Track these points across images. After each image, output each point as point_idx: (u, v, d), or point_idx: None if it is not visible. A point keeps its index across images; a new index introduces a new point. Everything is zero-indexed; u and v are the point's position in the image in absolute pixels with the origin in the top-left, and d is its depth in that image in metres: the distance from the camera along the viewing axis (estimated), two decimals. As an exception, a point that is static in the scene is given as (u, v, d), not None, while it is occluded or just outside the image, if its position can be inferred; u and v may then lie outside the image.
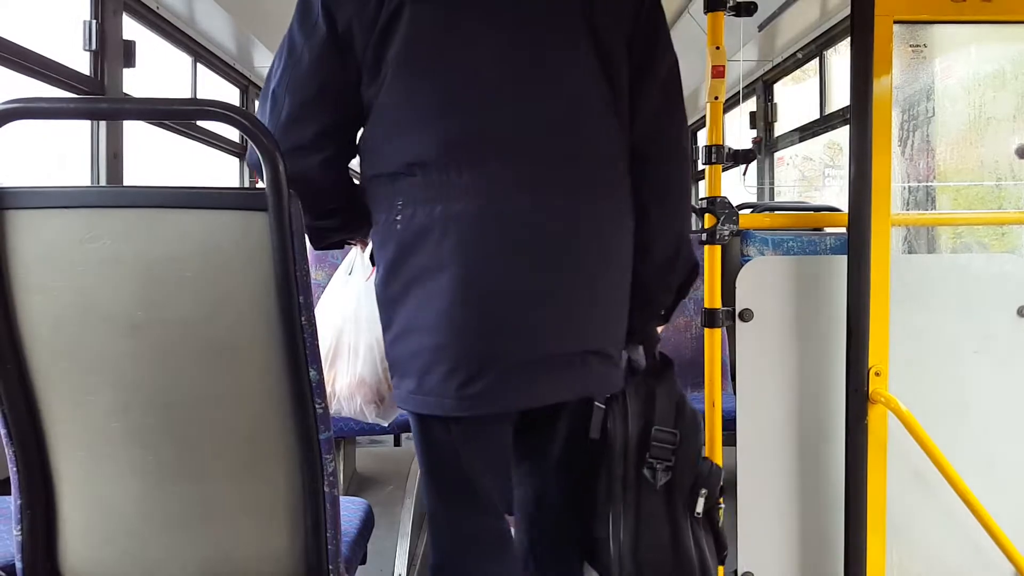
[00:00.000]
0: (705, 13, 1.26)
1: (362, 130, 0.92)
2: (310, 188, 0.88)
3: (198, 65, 2.65)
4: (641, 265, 0.95)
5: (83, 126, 1.93)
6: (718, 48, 1.25)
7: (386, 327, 0.93)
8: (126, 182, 2.03)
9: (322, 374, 0.81)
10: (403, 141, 0.88)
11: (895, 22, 1.08)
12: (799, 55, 2.79)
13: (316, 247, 0.97)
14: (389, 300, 0.92)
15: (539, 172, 0.86)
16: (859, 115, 1.08)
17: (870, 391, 1.10)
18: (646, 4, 0.92)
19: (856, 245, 1.12)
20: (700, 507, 0.95)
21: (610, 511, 0.95)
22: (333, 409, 0.99)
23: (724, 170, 1.29)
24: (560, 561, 1.02)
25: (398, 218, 0.88)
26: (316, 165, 0.90)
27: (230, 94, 2.99)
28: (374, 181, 0.91)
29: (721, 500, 1.03)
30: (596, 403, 0.94)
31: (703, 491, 0.95)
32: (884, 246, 1.10)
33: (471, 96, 0.86)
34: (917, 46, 2.08)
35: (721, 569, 1.09)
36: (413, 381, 0.90)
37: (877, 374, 1.10)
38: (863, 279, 1.11)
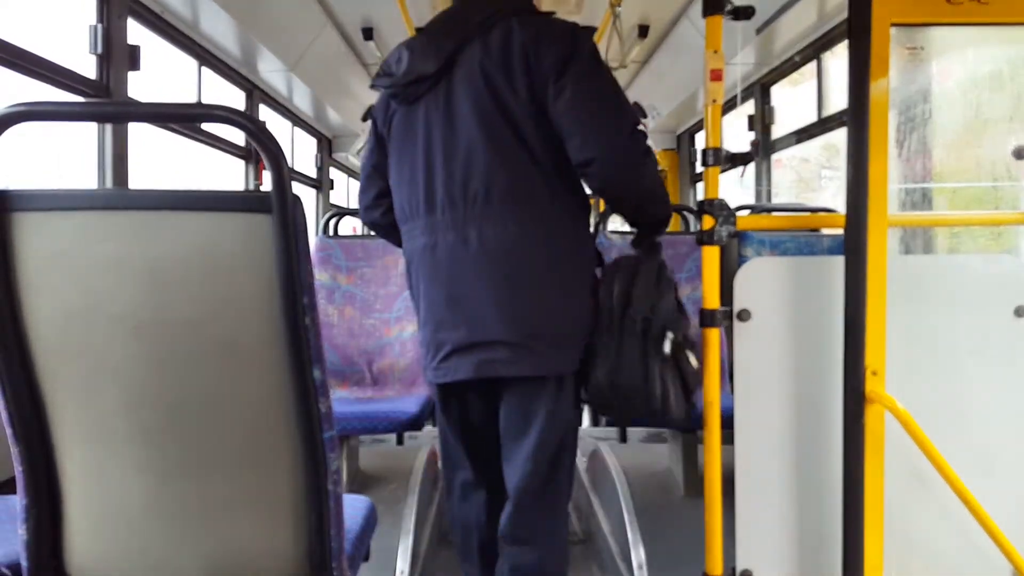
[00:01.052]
0: (703, 17, 1.27)
1: None
2: (380, 231, 1.49)
3: (203, 69, 2.67)
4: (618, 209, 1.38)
5: (83, 130, 1.95)
6: (716, 52, 1.26)
7: None
8: (131, 185, 2.05)
9: (325, 374, 0.82)
10: (396, 200, 1.37)
11: (892, 24, 1.09)
12: (797, 58, 2.80)
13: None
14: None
15: (458, 215, 1.25)
16: (856, 117, 1.09)
17: (867, 391, 1.11)
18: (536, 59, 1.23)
19: (853, 246, 1.12)
20: (667, 348, 1.23)
21: (598, 352, 1.26)
22: None
23: (722, 171, 1.30)
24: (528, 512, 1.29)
25: (404, 248, 1.38)
26: (379, 216, 1.44)
27: (235, 98, 3.01)
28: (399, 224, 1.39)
29: (691, 352, 1.26)
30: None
31: (669, 334, 1.23)
32: (881, 247, 1.11)
33: (418, 170, 1.29)
34: (914, 48, 2.09)
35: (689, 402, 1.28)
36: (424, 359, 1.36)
37: (874, 373, 1.11)
38: (860, 279, 1.11)
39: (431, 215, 1.27)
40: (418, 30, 1.35)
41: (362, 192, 1.46)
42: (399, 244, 1.41)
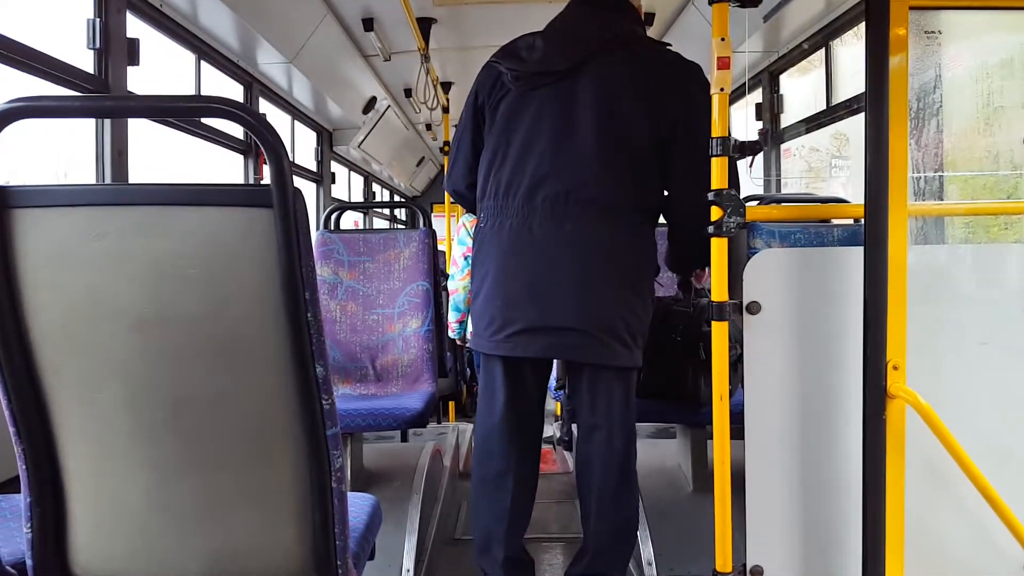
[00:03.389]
0: (710, 4, 1.24)
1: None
2: (463, 202, 1.63)
3: (202, 62, 2.65)
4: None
5: (81, 126, 1.94)
6: (723, 39, 1.23)
7: (472, 290, 1.52)
8: (131, 180, 2.03)
9: (328, 370, 0.81)
10: (486, 175, 1.47)
11: (911, 8, 1.05)
12: (805, 46, 2.76)
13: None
14: (473, 272, 1.51)
15: (559, 208, 1.36)
16: (874, 103, 1.05)
17: (888, 386, 1.09)
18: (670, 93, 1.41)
19: (873, 235, 1.08)
20: (703, 353, 1.63)
21: (648, 358, 1.57)
22: None
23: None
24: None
25: (482, 225, 1.48)
26: (464, 189, 1.57)
27: (234, 91, 2.99)
28: (479, 197, 1.51)
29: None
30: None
31: (702, 344, 1.63)
32: (901, 236, 1.07)
33: (522, 155, 1.40)
34: (932, 32, 2.05)
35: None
36: (474, 328, 1.51)
37: (895, 368, 1.09)
38: (880, 271, 1.08)
39: (530, 199, 1.37)
40: (546, 29, 1.46)
41: (451, 165, 1.59)
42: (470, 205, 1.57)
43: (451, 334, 1.97)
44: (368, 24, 3.08)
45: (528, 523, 1.52)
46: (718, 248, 1.26)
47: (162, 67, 2.44)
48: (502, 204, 1.40)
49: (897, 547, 1.09)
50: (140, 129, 2.13)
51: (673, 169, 1.40)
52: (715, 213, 1.25)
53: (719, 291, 1.26)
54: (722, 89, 1.24)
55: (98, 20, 1.94)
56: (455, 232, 1.99)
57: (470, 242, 1.70)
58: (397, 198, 6.27)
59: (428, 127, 5.18)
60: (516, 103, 1.40)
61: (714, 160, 1.27)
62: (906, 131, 1.06)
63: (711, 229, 1.26)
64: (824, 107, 2.73)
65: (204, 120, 2.57)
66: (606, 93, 1.36)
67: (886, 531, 1.08)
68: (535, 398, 1.48)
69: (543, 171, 1.36)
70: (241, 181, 3.06)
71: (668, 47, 1.46)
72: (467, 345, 1.86)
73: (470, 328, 1.65)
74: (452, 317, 1.94)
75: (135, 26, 2.14)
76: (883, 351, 1.07)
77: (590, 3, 1.45)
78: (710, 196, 1.26)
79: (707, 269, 1.44)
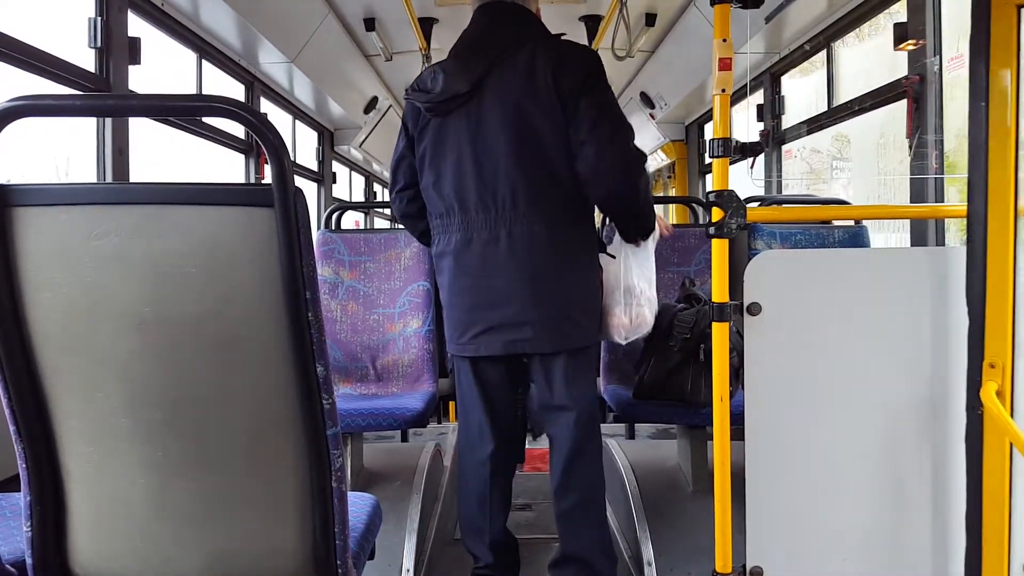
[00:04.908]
0: (712, 5, 1.24)
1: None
2: (405, 220, 1.71)
3: (203, 62, 2.65)
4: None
5: (75, 122, 1.94)
6: (725, 40, 1.23)
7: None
8: (132, 179, 2.04)
9: (328, 369, 0.81)
10: (429, 198, 1.59)
11: (1019, 6, 1.00)
12: (806, 47, 2.76)
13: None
14: (438, 285, 1.65)
15: (490, 217, 1.50)
16: (975, 107, 1.00)
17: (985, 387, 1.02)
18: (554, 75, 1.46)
19: (976, 242, 1.03)
20: (703, 355, 1.71)
21: (650, 360, 1.78)
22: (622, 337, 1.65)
23: (731, 163, 1.28)
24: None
25: (434, 243, 1.61)
26: (403, 205, 1.67)
27: (235, 90, 2.99)
28: (429, 217, 1.63)
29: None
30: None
31: (702, 346, 1.71)
32: (1005, 238, 1.01)
33: (452, 175, 1.53)
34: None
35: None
36: (447, 335, 1.62)
37: (992, 366, 1.03)
38: (981, 273, 1.02)
39: (465, 214, 1.52)
40: (449, 54, 1.56)
41: (392, 184, 1.69)
42: (417, 233, 1.69)
43: None
44: (370, 24, 3.08)
45: (509, 507, 1.63)
46: (719, 249, 1.26)
47: (163, 66, 2.44)
48: (446, 222, 1.55)
49: (997, 555, 1.06)
50: (141, 128, 2.14)
51: (575, 131, 1.45)
52: (716, 214, 1.25)
53: (720, 292, 1.26)
54: (723, 90, 1.24)
55: (99, 19, 1.94)
56: None
57: None
58: None
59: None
60: (436, 130, 1.53)
61: (715, 161, 1.27)
62: (1010, 134, 1.02)
63: (712, 231, 1.26)
64: (825, 108, 2.73)
65: (205, 119, 2.57)
66: (509, 97, 1.47)
67: (983, 537, 1.05)
68: (505, 391, 1.60)
69: (472, 186, 1.49)
70: (241, 181, 3.06)
71: (561, 36, 1.54)
72: None
73: None
74: None
75: (136, 25, 2.14)
76: (982, 352, 1.04)
77: (483, 20, 1.54)
78: (711, 196, 1.26)
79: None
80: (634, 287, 1.62)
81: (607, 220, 1.71)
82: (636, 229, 1.60)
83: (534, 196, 1.47)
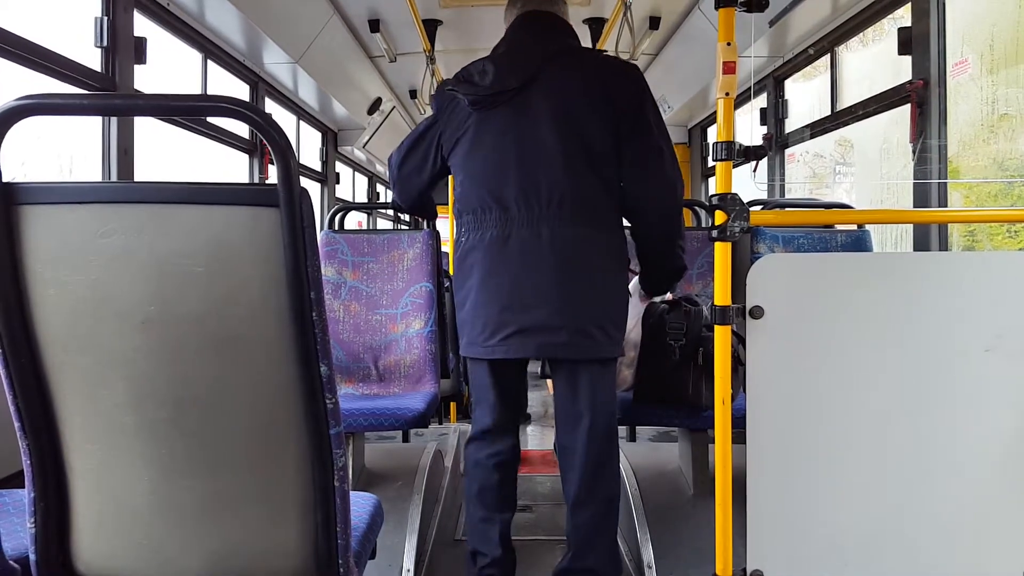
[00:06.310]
0: (716, 9, 1.24)
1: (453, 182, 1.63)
2: (418, 211, 1.79)
3: (208, 62, 2.66)
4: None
5: (81, 121, 1.94)
6: (729, 44, 1.23)
7: (457, 301, 1.59)
8: (137, 178, 2.04)
9: (332, 369, 0.81)
10: (463, 192, 1.56)
11: None
12: (810, 51, 2.76)
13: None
14: (456, 284, 1.59)
15: (533, 214, 1.47)
16: None
17: None
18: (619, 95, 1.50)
19: None
20: (701, 359, 1.70)
21: (648, 363, 1.77)
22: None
23: (735, 166, 1.28)
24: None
25: (462, 239, 1.57)
26: (420, 202, 1.73)
27: (240, 90, 3.00)
28: (457, 213, 1.61)
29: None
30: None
31: (701, 349, 1.70)
32: None
33: (494, 169, 1.50)
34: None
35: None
36: (465, 337, 1.57)
37: None
38: None
39: (505, 211, 1.48)
40: (493, 53, 1.58)
41: (401, 165, 1.67)
42: (419, 214, 1.72)
43: None
44: (374, 25, 3.09)
45: (516, 501, 1.63)
46: (722, 252, 1.26)
47: (169, 66, 2.45)
48: (481, 218, 1.51)
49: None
50: (141, 128, 2.14)
51: (633, 149, 1.49)
52: (719, 217, 1.25)
53: (722, 295, 1.25)
54: (727, 94, 1.24)
55: (105, 19, 1.95)
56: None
57: None
58: None
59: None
60: (478, 124, 1.51)
61: (718, 164, 1.27)
62: None
63: (715, 234, 1.26)
64: (829, 112, 2.73)
65: (211, 119, 2.58)
66: (560, 99, 1.47)
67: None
68: (516, 390, 1.61)
69: (514, 182, 1.47)
70: (244, 180, 3.07)
71: (604, 52, 1.61)
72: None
73: None
74: None
75: (142, 25, 2.15)
76: None
77: (527, 27, 1.56)
78: (714, 200, 1.26)
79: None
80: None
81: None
82: (672, 260, 1.57)
83: (582, 198, 1.46)
